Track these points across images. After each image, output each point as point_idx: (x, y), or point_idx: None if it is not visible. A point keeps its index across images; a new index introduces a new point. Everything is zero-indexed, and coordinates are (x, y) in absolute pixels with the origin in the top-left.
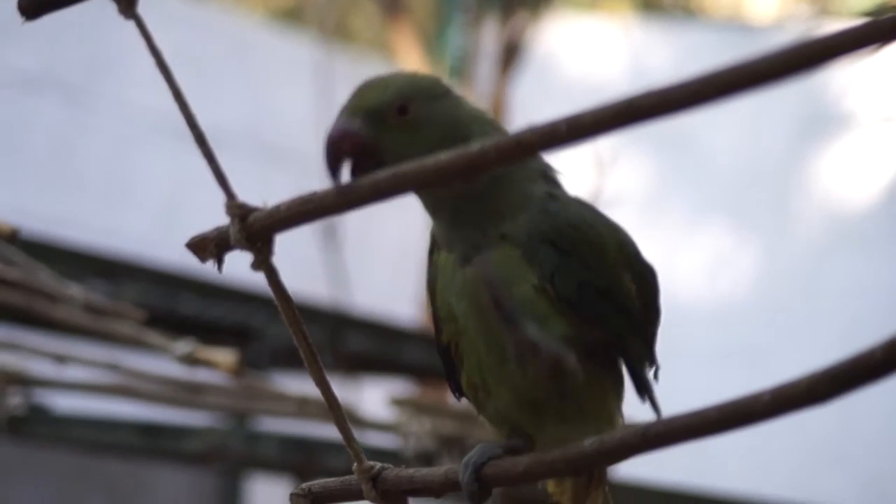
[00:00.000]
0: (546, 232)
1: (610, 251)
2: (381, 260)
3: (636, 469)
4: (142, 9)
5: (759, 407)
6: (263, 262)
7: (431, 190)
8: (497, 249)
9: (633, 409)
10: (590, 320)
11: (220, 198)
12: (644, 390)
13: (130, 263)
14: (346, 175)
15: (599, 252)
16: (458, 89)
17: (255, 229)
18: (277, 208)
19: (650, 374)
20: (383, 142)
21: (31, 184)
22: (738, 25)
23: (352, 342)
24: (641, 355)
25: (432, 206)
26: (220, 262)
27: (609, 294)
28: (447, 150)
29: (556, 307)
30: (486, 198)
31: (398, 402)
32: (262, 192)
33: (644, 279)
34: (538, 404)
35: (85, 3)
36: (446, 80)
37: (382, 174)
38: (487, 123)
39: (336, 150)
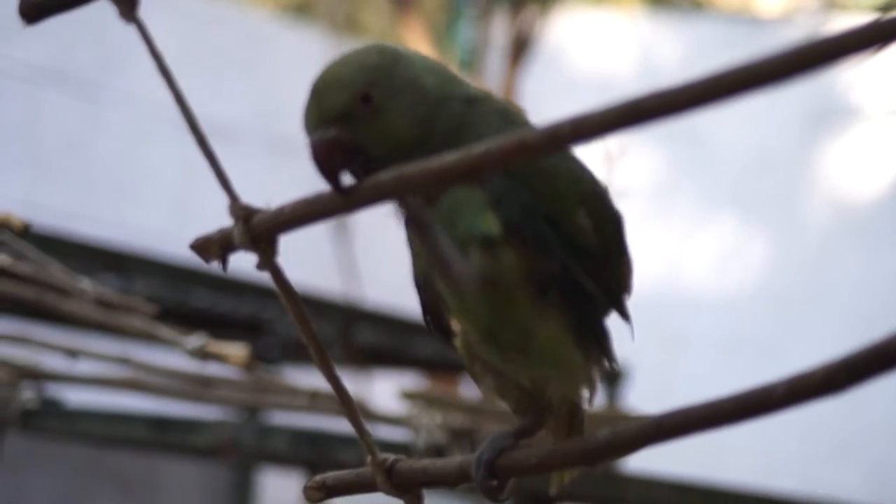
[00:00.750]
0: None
1: (561, 181)
2: (392, 252)
3: (646, 462)
4: (151, 5)
5: (774, 398)
6: (268, 262)
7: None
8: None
9: (643, 403)
10: (533, 244)
11: (226, 195)
12: (596, 336)
13: (141, 257)
14: (347, 181)
15: (549, 180)
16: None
17: (258, 231)
18: (281, 210)
19: (607, 323)
20: (361, 138)
21: (43, 178)
22: (746, 18)
23: (362, 335)
24: (599, 300)
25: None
26: (224, 262)
27: (557, 224)
28: (423, 113)
29: (491, 211)
30: (441, 147)
31: (409, 396)
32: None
33: (603, 218)
34: (494, 335)
35: (91, 2)
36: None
37: (386, 175)
38: (439, 69)
39: (329, 165)
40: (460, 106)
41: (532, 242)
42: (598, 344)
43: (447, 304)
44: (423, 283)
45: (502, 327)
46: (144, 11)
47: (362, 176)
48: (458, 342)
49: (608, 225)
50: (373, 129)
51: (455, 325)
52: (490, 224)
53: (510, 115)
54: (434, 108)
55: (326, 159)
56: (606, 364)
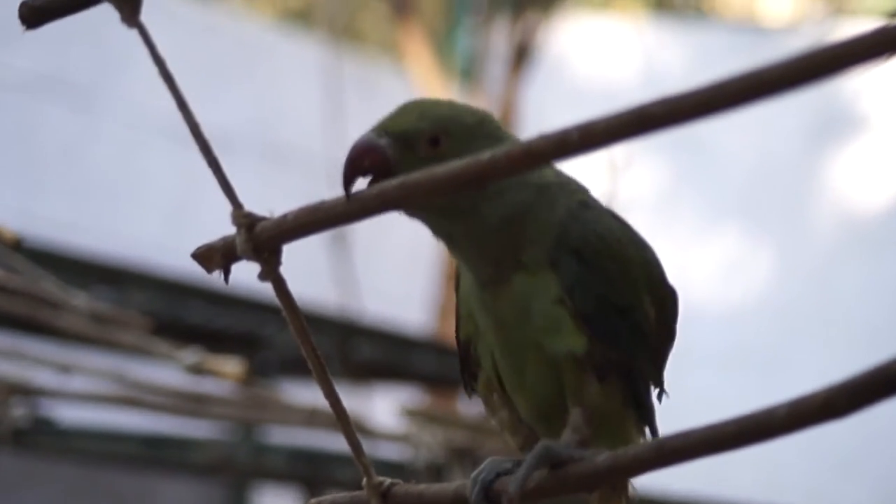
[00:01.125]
0: (572, 240)
1: (634, 270)
2: (392, 265)
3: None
4: (148, 12)
5: (775, 422)
6: (271, 272)
7: (441, 225)
8: (520, 273)
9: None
10: (604, 337)
11: (221, 197)
12: (646, 416)
13: (137, 271)
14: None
15: (623, 269)
16: (470, 92)
17: (261, 239)
18: (284, 218)
19: (654, 397)
20: (406, 168)
21: (38, 187)
22: (751, 27)
23: (362, 350)
24: (649, 380)
25: (446, 243)
26: (226, 273)
27: (627, 313)
28: (470, 195)
29: (574, 321)
30: (503, 234)
31: (409, 413)
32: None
33: (665, 303)
34: (553, 418)
35: (92, 6)
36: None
37: (391, 183)
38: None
39: (356, 162)
40: (529, 194)
41: (604, 335)
42: (646, 416)
43: (487, 369)
44: (467, 345)
45: (560, 409)
46: (144, 19)
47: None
48: (480, 377)
49: (667, 308)
50: (420, 169)
51: (483, 371)
52: (575, 342)
53: (579, 195)
54: (494, 191)
55: (358, 156)
56: (649, 433)
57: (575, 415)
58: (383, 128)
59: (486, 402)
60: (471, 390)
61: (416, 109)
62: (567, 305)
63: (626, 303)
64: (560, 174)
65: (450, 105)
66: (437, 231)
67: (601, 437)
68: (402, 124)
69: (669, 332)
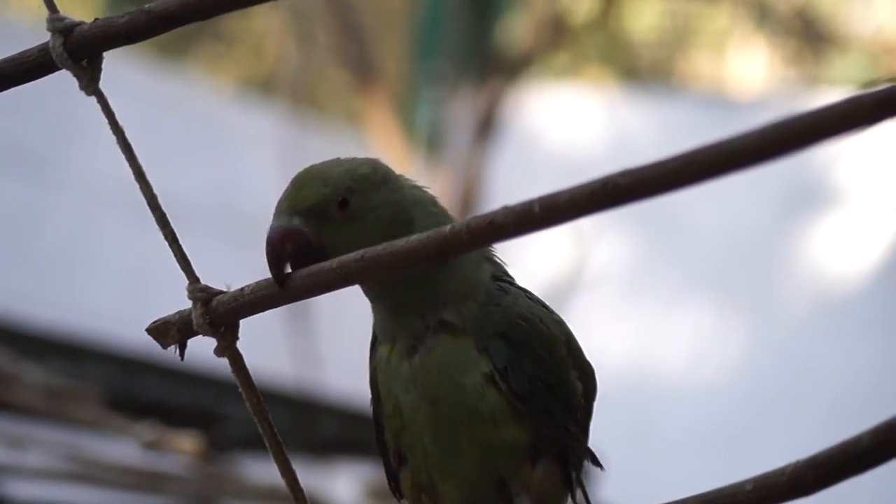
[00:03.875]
0: (498, 324)
1: (559, 347)
2: (354, 337)
3: None
4: (105, 82)
5: (741, 497)
6: (227, 348)
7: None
8: (443, 337)
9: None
10: (540, 417)
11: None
12: (582, 492)
13: (93, 345)
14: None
15: (550, 347)
16: (433, 162)
17: (218, 314)
18: (241, 291)
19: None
20: (326, 238)
21: None
22: (722, 100)
23: (323, 426)
24: (580, 456)
25: (374, 293)
26: (182, 348)
27: (558, 391)
28: (392, 237)
29: (507, 403)
30: (429, 283)
31: (373, 491)
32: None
33: (588, 378)
34: (483, 499)
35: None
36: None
37: (351, 257)
38: (429, 203)
39: (277, 251)
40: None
41: (539, 415)
42: (583, 492)
43: (415, 467)
44: (385, 445)
45: (493, 496)
46: (102, 88)
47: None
48: (405, 477)
49: (590, 383)
50: (340, 234)
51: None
52: (518, 434)
53: (492, 264)
54: (409, 232)
55: (277, 246)
56: None
57: (522, 501)
58: (291, 208)
59: (415, 502)
60: (400, 496)
61: (314, 179)
62: (498, 385)
63: (555, 380)
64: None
65: (340, 164)
66: (374, 284)
67: None
68: (307, 199)
69: (589, 407)
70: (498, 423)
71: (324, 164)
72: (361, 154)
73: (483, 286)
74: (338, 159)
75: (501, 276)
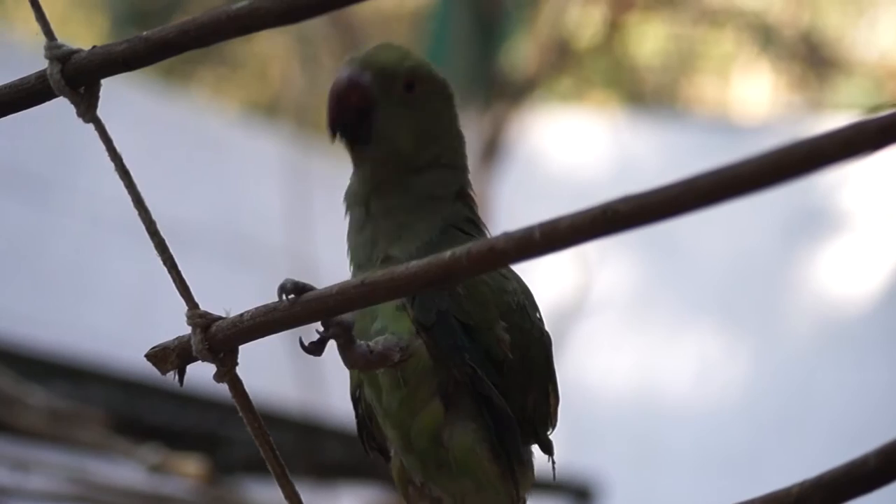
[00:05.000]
0: (422, 253)
1: (483, 289)
2: None
3: None
4: (109, 106)
5: None
6: (227, 373)
7: (376, 172)
8: (380, 267)
9: None
10: (444, 352)
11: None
12: (506, 453)
13: (96, 367)
14: (339, 136)
15: (472, 288)
16: None
17: (217, 340)
18: (241, 317)
19: (522, 440)
20: (383, 108)
21: None
22: (727, 124)
23: (326, 449)
24: (512, 420)
25: (357, 190)
26: (181, 374)
27: (474, 333)
28: (428, 149)
29: (415, 333)
30: (397, 211)
31: None
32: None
33: (526, 336)
34: (411, 443)
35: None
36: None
37: (351, 283)
38: (459, 149)
39: (343, 101)
40: (441, 191)
41: (442, 347)
42: (507, 462)
43: (375, 416)
44: (358, 398)
45: (418, 433)
46: (103, 113)
47: (350, 136)
48: (392, 465)
49: (532, 345)
50: (395, 110)
51: (388, 444)
52: (403, 328)
53: (464, 190)
54: (439, 163)
55: (343, 94)
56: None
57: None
58: (365, 62)
59: (403, 492)
60: (368, 449)
61: (397, 49)
62: (407, 313)
63: (473, 321)
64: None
65: (425, 58)
66: (372, 176)
67: (458, 473)
68: (385, 60)
69: (538, 371)
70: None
71: (408, 48)
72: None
73: (440, 227)
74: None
75: (466, 221)
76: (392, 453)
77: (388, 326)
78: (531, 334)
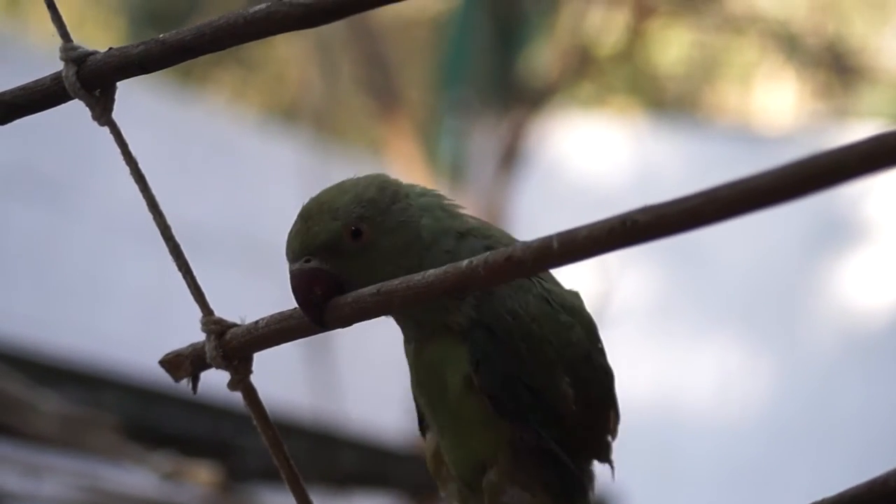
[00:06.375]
0: (485, 315)
1: (548, 349)
2: (373, 367)
3: None
4: (126, 109)
5: None
6: (241, 381)
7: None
8: (441, 337)
9: None
10: (510, 416)
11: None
12: (572, 496)
13: (110, 373)
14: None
15: (536, 346)
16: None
17: (232, 347)
18: (256, 325)
19: (591, 480)
20: (345, 271)
21: (9, 282)
22: (749, 134)
23: (341, 458)
24: (570, 465)
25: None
26: (195, 381)
27: (539, 394)
28: (412, 255)
29: (480, 401)
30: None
31: None
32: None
33: (590, 384)
34: (463, 476)
35: (62, 103)
36: (442, 180)
37: (367, 292)
38: (437, 208)
39: (308, 297)
40: (451, 242)
41: (509, 414)
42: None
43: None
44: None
45: (472, 472)
46: (117, 117)
47: None
48: (428, 446)
49: (595, 387)
50: (358, 264)
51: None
52: (471, 403)
53: (496, 244)
54: (424, 249)
55: (306, 291)
56: None
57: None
58: (304, 247)
59: (436, 474)
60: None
61: (322, 212)
62: (473, 382)
63: (538, 383)
64: (481, 222)
65: (346, 190)
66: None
67: None
68: (319, 235)
69: (600, 412)
70: (473, 420)
71: (329, 191)
72: None
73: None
74: (342, 184)
75: (485, 250)
76: (428, 436)
77: (476, 448)
78: (595, 380)
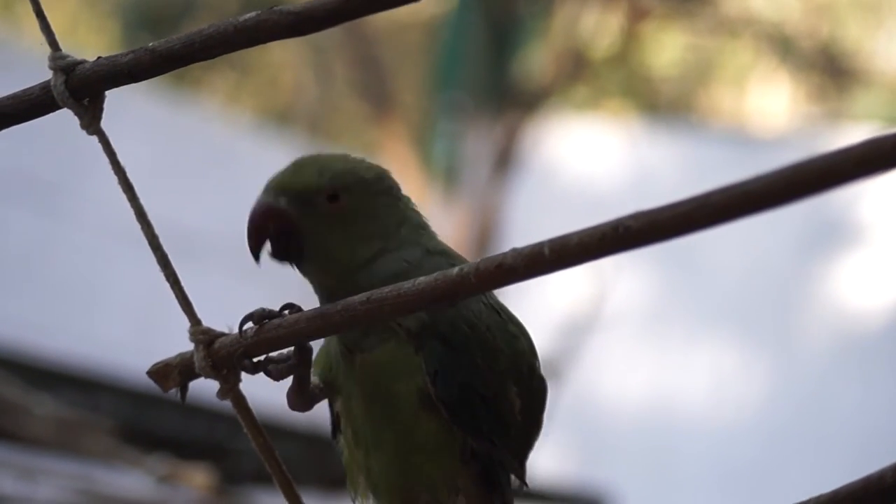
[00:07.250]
0: (440, 325)
1: (502, 360)
2: None
3: None
4: (119, 115)
5: None
6: (230, 390)
7: (327, 280)
8: (385, 342)
9: None
10: (465, 426)
11: (198, 305)
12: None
13: (105, 376)
14: (266, 257)
15: (491, 358)
16: (451, 194)
17: (220, 356)
18: (245, 334)
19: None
20: (307, 226)
21: (5, 288)
22: (744, 136)
23: (334, 460)
24: (509, 471)
25: (322, 298)
26: (184, 390)
27: (491, 404)
28: (367, 248)
29: (436, 412)
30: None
31: None
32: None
33: (534, 395)
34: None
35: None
36: (436, 183)
37: (356, 300)
38: (419, 225)
39: (260, 229)
40: (417, 255)
41: (464, 424)
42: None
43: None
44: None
45: (413, 488)
46: (111, 122)
47: (280, 259)
48: (341, 439)
49: (535, 400)
50: (321, 226)
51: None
52: (434, 431)
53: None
54: (386, 249)
55: (259, 223)
56: None
57: None
58: (280, 186)
59: (351, 483)
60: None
61: (313, 165)
62: (430, 391)
63: (490, 392)
64: (443, 243)
65: (346, 160)
66: (320, 285)
67: None
68: (299, 182)
69: (536, 423)
70: (425, 432)
71: (332, 154)
72: None
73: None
74: (347, 155)
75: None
76: (342, 441)
77: (421, 464)
78: (538, 391)
